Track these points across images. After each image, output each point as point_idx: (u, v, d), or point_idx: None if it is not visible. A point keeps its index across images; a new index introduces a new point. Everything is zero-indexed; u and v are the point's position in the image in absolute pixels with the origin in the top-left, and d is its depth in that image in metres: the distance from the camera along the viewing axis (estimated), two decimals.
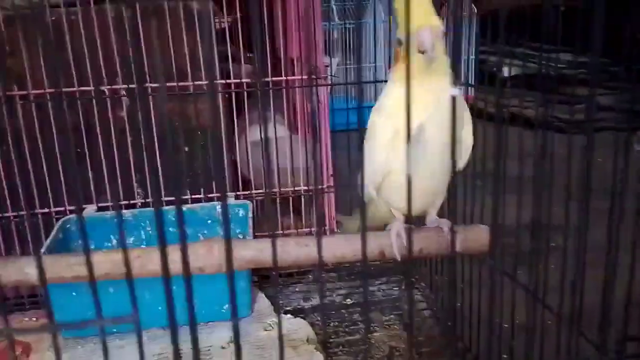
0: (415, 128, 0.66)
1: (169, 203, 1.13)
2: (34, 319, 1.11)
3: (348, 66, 2.96)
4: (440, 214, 0.80)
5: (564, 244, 0.72)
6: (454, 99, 0.36)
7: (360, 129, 0.55)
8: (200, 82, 1.19)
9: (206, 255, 0.78)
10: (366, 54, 2.94)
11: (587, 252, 0.67)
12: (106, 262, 0.77)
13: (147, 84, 1.16)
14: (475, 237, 0.77)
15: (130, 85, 1.14)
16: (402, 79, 0.68)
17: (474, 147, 0.76)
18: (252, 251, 0.77)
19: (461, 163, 0.75)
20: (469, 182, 0.88)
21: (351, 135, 1.19)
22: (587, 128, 0.61)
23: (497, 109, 0.53)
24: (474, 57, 2.67)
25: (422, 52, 0.64)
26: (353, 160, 1.21)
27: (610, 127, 2.66)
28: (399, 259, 0.76)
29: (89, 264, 0.38)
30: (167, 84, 1.18)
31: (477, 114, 0.79)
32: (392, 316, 1.14)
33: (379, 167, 0.72)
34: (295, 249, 0.77)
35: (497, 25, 0.79)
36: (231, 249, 0.38)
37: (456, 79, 0.66)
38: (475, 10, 2.66)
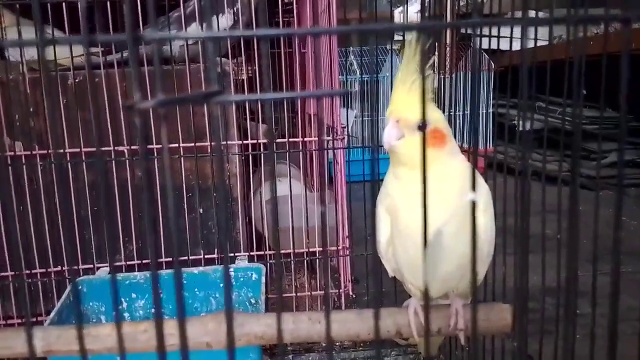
0: (433, 234, 0.64)
1: (180, 263, 1.12)
2: None
3: (366, 118, 2.98)
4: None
5: (593, 312, 0.68)
6: (473, 204, 0.34)
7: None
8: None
9: (216, 329, 0.75)
10: (383, 106, 2.97)
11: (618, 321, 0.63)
12: (113, 335, 0.75)
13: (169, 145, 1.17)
14: (497, 316, 0.73)
15: (149, 146, 1.15)
16: (393, 167, 0.68)
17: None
18: (263, 327, 0.74)
19: (482, 247, 0.71)
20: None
21: (367, 187, 1.17)
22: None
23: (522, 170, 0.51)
24: (492, 110, 2.69)
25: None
26: (369, 213, 1.19)
27: (634, 184, 2.62)
28: (417, 339, 0.73)
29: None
30: (185, 144, 1.18)
31: (497, 168, 0.78)
32: None
33: (386, 262, 0.73)
34: (308, 326, 0.74)
35: (516, 79, 0.78)
36: (232, 329, 0.36)
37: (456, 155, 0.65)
38: (493, 65, 2.68)
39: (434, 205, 0.62)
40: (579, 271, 0.70)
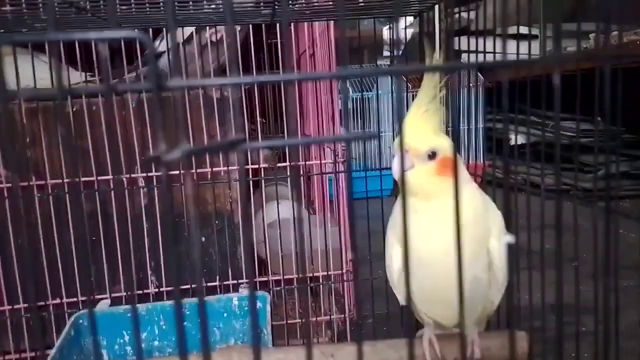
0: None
1: (182, 292, 1.10)
2: None
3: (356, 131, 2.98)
4: None
5: (595, 328, 0.67)
6: (509, 247, 0.33)
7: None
8: (217, 169, 1.19)
9: None
10: (378, 124, 2.98)
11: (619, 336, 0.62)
12: None
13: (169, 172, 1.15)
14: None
15: (149, 174, 1.13)
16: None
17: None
18: None
19: (497, 273, 0.69)
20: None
21: (370, 203, 1.16)
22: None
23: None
24: (482, 125, 2.70)
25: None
26: (372, 231, 1.17)
27: (628, 196, 2.63)
28: None
29: None
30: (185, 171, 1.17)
31: (489, 182, 0.77)
32: None
33: (397, 291, 0.73)
34: None
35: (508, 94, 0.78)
36: None
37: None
38: (483, 80, 2.70)
39: (450, 238, 0.62)
40: (580, 287, 0.69)
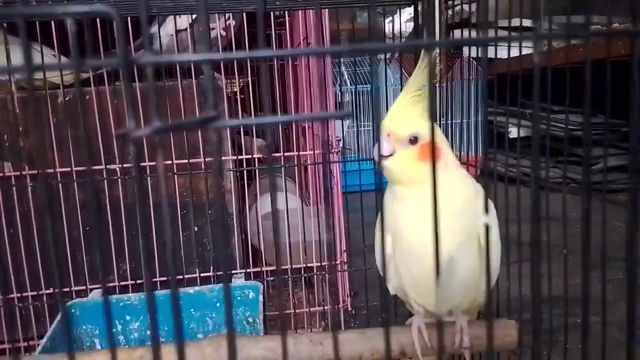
0: (446, 261, 0.63)
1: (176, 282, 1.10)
2: None
3: (360, 128, 2.99)
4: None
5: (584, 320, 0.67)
6: (486, 227, 0.33)
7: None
8: (211, 159, 1.18)
9: (213, 354, 0.73)
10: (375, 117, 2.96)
11: (608, 328, 0.62)
12: None
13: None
14: (502, 333, 0.72)
15: (141, 164, 1.13)
16: (390, 184, 0.66)
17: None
18: (262, 350, 0.72)
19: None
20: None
21: (364, 197, 1.15)
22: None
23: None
24: (482, 118, 2.69)
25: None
26: (366, 223, 1.17)
27: (624, 189, 2.62)
28: (422, 359, 0.71)
29: None
30: (179, 161, 1.17)
31: (489, 175, 0.77)
32: None
33: (388, 280, 0.72)
34: (309, 348, 0.72)
35: (505, 87, 0.78)
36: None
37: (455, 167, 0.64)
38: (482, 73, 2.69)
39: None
40: (575, 280, 0.69)
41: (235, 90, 1.73)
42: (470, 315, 0.74)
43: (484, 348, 0.72)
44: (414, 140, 0.61)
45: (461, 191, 0.64)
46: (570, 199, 0.69)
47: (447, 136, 1.08)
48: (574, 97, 0.71)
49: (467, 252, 0.65)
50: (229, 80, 1.51)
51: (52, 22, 1.07)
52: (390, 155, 0.63)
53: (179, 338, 0.34)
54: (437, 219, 0.34)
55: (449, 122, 1.09)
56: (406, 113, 0.62)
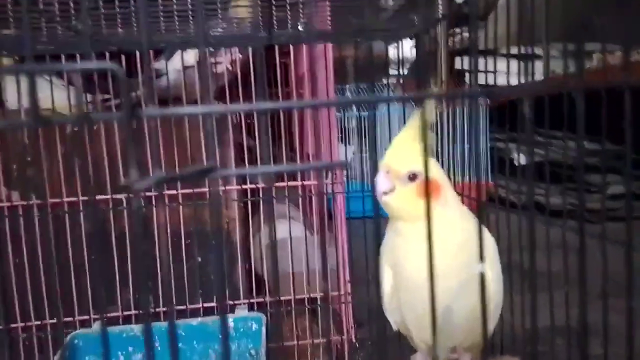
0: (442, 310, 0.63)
1: (179, 313, 1.09)
2: None
3: (364, 154, 3.00)
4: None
5: (605, 352, 0.66)
6: (481, 276, 0.33)
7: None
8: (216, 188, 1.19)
9: None
10: (382, 142, 2.98)
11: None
12: None
13: (165, 191, 1.16)
14: None
15: (147, 194, 1.14)
16: (391, 220, 0.67)
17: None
18: None
19: (490, 299, 0.69)
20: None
21: (367, 224, 1.15)
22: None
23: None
24: (489, 144, 2.70)
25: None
26: (370, 252, 1.16)
27: (637, 217, 2.60)
28: None
29: None
30: (184, 190, 1.18)
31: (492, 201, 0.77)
32: None
33: (389, 315, 0.72)
34: None
35: (511, 114, 0.78)
36: None
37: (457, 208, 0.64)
38: (488, 101, 2.71)
39: (437, 261, 0.61)
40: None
41: (212, 122, 1.75)
42: (473, 353, 0.74)
43: None
44: (412, 177, 0.62)
45: (461, 228, 0.64)
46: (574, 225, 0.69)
47: (452, 163, 1.08)
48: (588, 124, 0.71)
49: (467, 290, 0.64)
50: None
51: (62, 56, 1.09)
52: (390, 191, 0.63)
53: None
54: (432, 257, 0.34)
55: (455, 149, 1.10)
56: (405, 150, 0.63)
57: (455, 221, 0.64)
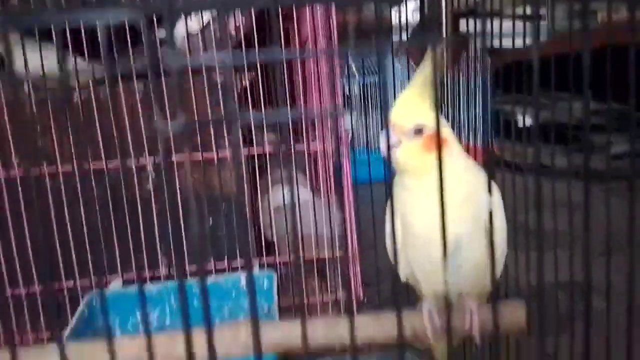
0: (453, 242, 0.65)
1: (192, 274, 1.13)
2: None
3: (368, 121, 3.00)
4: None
5: (607, 308, 0.68)
6: (490, 214, 0.35)
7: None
8: (223, 153, 1.21)
9: (232, 339, 0.76)
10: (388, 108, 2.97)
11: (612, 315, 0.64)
12: (132, 347, 0.76)
13: (172, 158, 1.18)
14: (511, 315, 0.74)
15: (156, 159, 1.16)
16: (398, 175, 0.68)
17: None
18: (280, 334, 0.75)
19: (496, 249, 0.71)
20: None
21: (374, 188, 1.17)
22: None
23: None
24: (489, 107, 2.69)
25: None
26: (377, 218, 1.19)
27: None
28: (433, 342, 0.73)
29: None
30: (193, 155, 1.19)
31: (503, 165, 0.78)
32: None
33: (399, 268, 0.74)
34: (324, 331, 0.75)
35: (516, 76, 0.79)
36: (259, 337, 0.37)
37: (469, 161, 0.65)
38: (491, 64, 2.69)
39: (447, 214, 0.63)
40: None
41: (245, 85, 1.75)
42: (480, 299, 0.76)
43: (494, 330, 0.74)
44: (419, 131, 0.63)
45: (467, 180, 0.66)
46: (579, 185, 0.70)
47: (454, 127, 1.09)
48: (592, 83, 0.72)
49: (474, 240, 0.66)
50: (237, 75, 1.53)
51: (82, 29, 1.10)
52: (396, 146, 0.65)
53: (207, 320, 0.37)
54: (444, 209, 0.36)
55: (456, 112, 1.11)
56: (411, 105, 0.64)
57: (462, 173, 0.66)
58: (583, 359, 0.59)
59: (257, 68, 1.32)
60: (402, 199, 0.69)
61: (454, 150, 0.67)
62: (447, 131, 0.67)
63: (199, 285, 0.35)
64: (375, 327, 0.75)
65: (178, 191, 1.16)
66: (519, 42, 0.93)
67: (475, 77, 1.32)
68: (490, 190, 0.35)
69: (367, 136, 2.86)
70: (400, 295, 0.48)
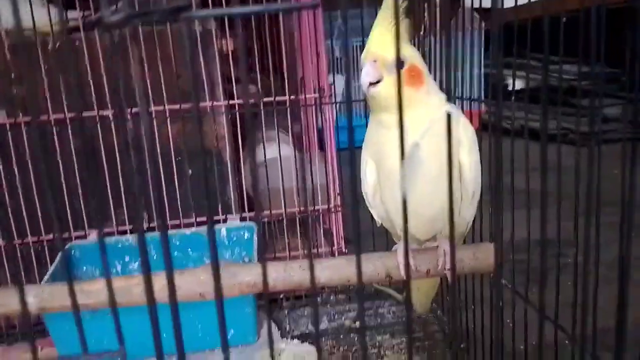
0: (409, 146, 0.64)
1: (173, 227, 1.12)
2: (40, 347, 1.10)
3: (356, 83, 2.96)
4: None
5: (575, 260, 0.69)
6: (448, 116, 0.34)
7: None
8: (204, 104, 1.19)
9: (209, 280, 0.76)
10: None
11: (599, 267, 0.65)
12: (106, 290, 0.76)
13: (151, 108, 1.16)
14: (483, 255, 0.74)
15: (133, 109, 1.14)
16: (374, 114, 0.67)
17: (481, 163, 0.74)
18: (255, 276, 0.75)
19: (467, 187, 0.70)
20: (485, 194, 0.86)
21: (356, 152, 1.17)
22: (592, 140, 0.59)
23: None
24: (479, 70, 2.66)
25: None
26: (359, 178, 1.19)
27: (620, 139, 2.62)
28: (407, 280, 0.74)
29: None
30: (171, 106, 1.17)
31: (489, 128, 0.77)
32: (403, 339, 1.10)
33: (373, 209, 0.75)
34: (299, 273, 0.75)
35: (506, 39, 0.78)
36: (219, 275, 0.36)
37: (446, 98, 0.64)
38: (483, 25, 2.65)
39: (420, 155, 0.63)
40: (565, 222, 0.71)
41: (231, 49, 1.72)
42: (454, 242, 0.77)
43: (466, 270, 0.75)
44: (400, 64, 0.62)
45: (442, 112, 0.65)
46: (567, 149, 0.70)
47: (448, 87, 1.08)
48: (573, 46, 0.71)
49: (442, 162, 0.66)
50: (222, 40, 1.50)
51: None
52: (378, 82, 0.63)
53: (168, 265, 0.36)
54: (402, 143, 0.35)
55: (451, 73, 1.09)
56: (389, 39, 0.62)
57: (437, 108, 0.65)
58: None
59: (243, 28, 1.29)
60: (378, 137, 0.68)
61: (430, 85, 0.66)
62: (421, 64, 0.66)
63: (160, 237, 0.34)
64: (349, 268, 0.75)
65: (157, 143, 1.14)
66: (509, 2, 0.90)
67: (464, 39, 1.29)
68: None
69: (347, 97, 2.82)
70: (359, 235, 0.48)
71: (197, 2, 1.24)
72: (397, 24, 0.35)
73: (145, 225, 1.23)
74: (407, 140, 0.64)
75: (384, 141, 0.67)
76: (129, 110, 1.17)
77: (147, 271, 0.35)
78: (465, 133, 0.68)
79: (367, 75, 0.62)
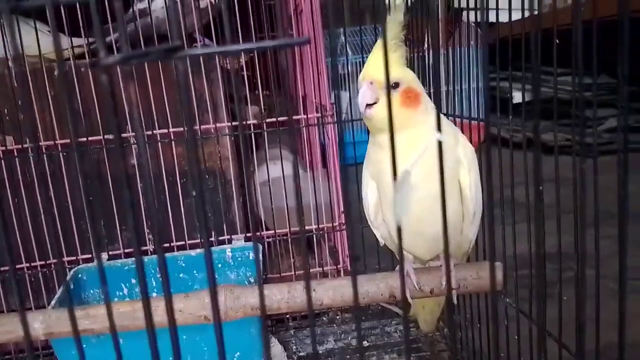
0: (400, 173, 0.64)
1: (179, 248, 1.13)
2: None
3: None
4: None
5: (577, 274, 0.69)
6: (439, 143, 0.35)
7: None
8: (207, 126, 1.21)
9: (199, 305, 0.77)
10: None
11: (606, 281, 0.64)
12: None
13: (155, 131, 1.18)
14: (486, 274, 0.74)
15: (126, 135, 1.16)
16: (372, 135, 0.69)
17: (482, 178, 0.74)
18: (258, 298, 0.75)
19: (468, 206, 0.71)
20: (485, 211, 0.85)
21: (359, 169, 1.18)
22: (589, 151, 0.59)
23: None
24: (478, 85, 2.66)
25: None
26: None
27: (632, 149, 2.60)
28: (410, 301, 0.74)
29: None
30: (175, 129, 1.19)
31: (492, 141, 0.78)
32: (411, 358, 1.10)
33: (376, 229, 0.76)
34: (302, 294, 0.76)
35: (506, 52, 0.78)
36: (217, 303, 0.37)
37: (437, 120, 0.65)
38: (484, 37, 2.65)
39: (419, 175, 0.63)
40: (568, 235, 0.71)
41: (241, 64, 1.74)
42: (456, 261, 0.77)
43: (469, 289, 0.75)
44: (395, 86, 0.63)
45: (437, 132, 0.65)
46: (566, 161, 0.70)
47: (454, 102, 1.09)
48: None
49: (448, 195, 0.66)
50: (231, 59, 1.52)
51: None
52: (375, 103, 0.64)
53: (166, 290, 0.36)
54: (395, 164, 0.36)
55: (452, 88, 1.10)
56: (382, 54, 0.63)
57: (435, 129, 0.65)
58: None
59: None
60: (377, 159, 0.69)
61: (427, 106, 0.67)
62: (418, 85, 0.67)
63: (158, 260, 0.35)
64: (352, 288, 0.76)
65: (162, 165, 1.16)
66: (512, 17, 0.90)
67: (468, 53, 1.30)
68: (439, 128, 0.35)
69: (351, 116, 2.83)
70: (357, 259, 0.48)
71: (199, 29, 1.27)
72: (385, 47, 0.36)
73: (151, 248, 1.24)
74: (402, 162, 0.65)
75: (382, 160, 0.68)
76: (134, 134, 1.19)
77: (146, 297, 0.35)
78: (464, 152, 0.69)
79: (363, 96, 0.64)
